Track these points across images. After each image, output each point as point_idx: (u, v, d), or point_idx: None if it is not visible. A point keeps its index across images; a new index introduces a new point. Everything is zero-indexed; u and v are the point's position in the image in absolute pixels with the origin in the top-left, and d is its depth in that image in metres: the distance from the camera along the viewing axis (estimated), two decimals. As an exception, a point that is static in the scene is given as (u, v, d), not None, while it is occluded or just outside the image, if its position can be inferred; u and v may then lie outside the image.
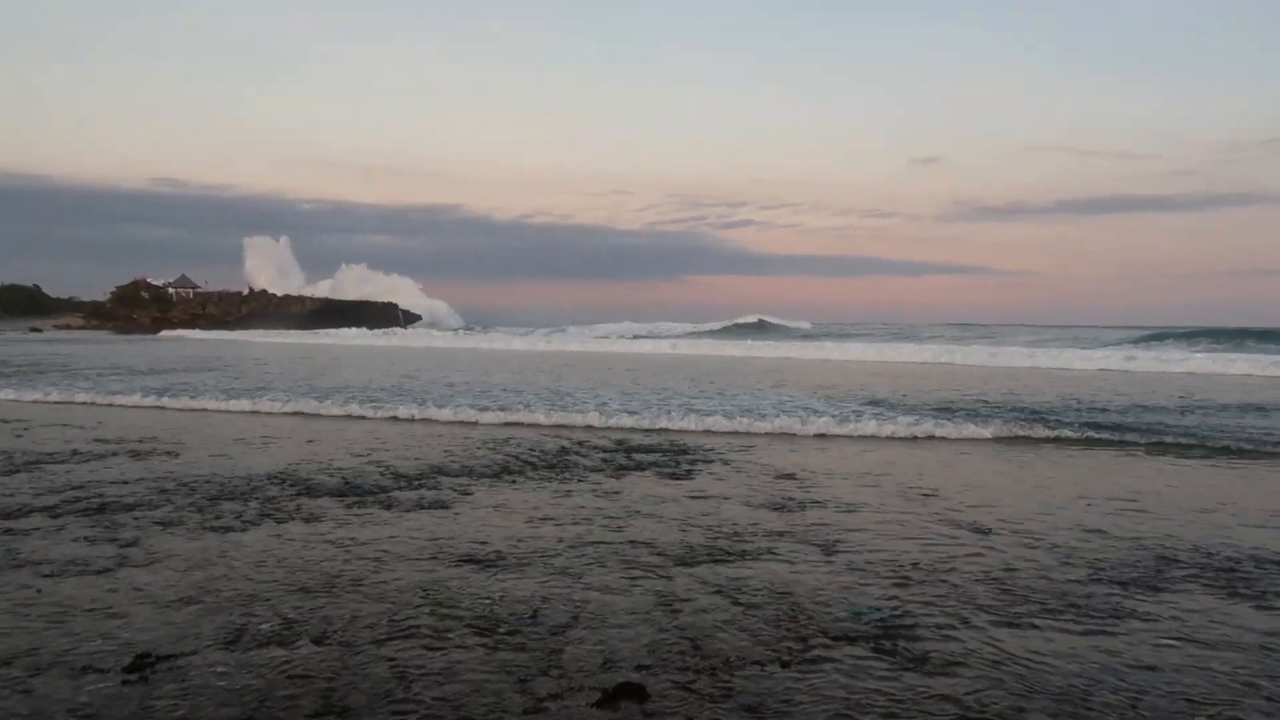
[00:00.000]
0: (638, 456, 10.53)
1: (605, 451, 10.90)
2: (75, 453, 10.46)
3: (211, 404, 16.05)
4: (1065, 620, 4.92)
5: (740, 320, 79.89)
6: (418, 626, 4.74)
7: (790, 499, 8.14)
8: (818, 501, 8.03)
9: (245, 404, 15.86)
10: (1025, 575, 5.75)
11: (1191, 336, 48.10)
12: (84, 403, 16.93)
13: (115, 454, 10.43)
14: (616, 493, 8.37)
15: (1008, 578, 5.71)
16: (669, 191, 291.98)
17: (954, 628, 4.79)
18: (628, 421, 13.77)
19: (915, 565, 5.96)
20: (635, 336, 63.91)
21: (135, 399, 16.88)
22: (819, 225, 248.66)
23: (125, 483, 8.63)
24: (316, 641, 4.51)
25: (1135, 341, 47.14)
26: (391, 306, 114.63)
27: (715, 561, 6.03)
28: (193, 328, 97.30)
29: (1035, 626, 4.81)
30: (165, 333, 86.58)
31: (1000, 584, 5.57)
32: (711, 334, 68.52)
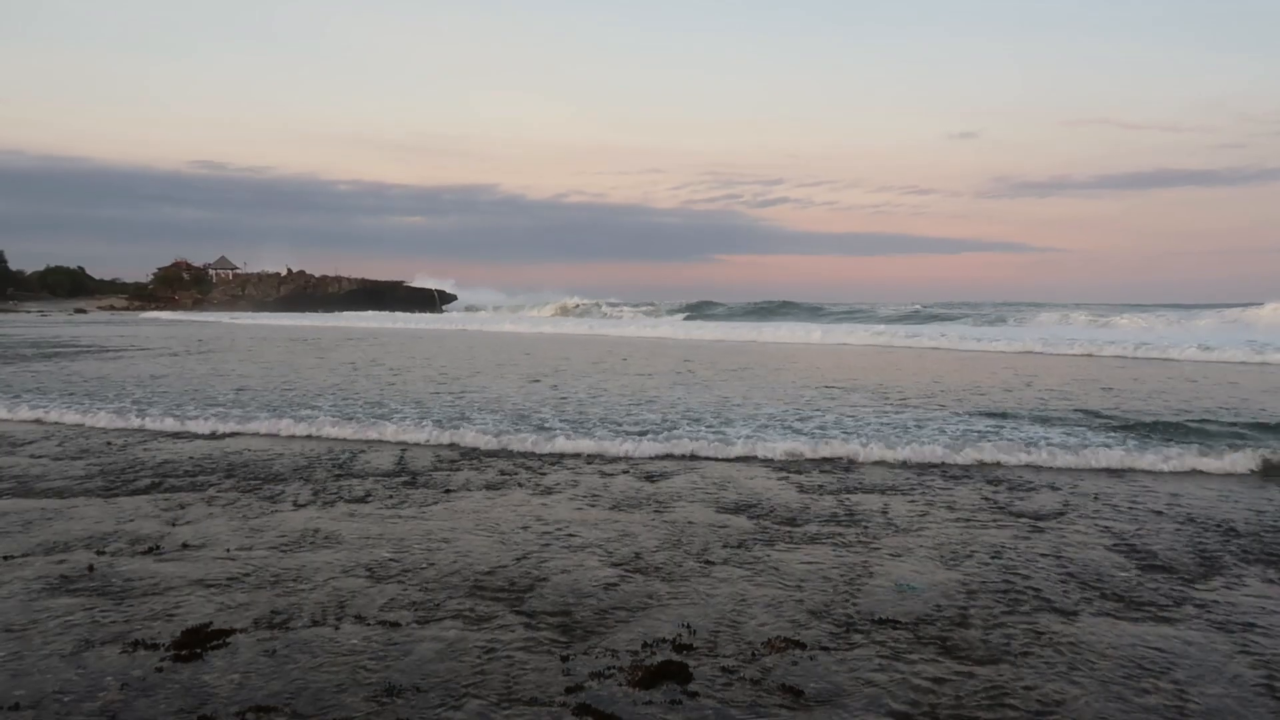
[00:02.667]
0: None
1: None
2: (128, 432, 10.66)
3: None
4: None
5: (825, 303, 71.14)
6: (460, 607, 4.78)
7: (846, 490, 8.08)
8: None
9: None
10: (1070, 559, 5.64)
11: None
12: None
13: (162, 435, 10.61)
14: (662, 475, 8.37)
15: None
16: (704, 169, 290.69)
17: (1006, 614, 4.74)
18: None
19: (970, 555, 5.91)
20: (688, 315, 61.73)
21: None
22: (856, 203, 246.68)
23: (174, 462, 8.77)
24: (361, 621, 4.57)
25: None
26: (426, 289, 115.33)
27: (763, 544, 6.01)
28: (233, 309, 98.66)
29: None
30: (146, 314, 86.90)
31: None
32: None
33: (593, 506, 7.06)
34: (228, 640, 4.29)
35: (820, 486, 7.85)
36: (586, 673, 3.97)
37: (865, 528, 6.44)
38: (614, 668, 4.01)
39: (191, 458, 8.99)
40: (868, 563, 5.57)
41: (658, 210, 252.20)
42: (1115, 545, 6.03)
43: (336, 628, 4.46)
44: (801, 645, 4.28)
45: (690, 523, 6.55)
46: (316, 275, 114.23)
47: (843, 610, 4.76)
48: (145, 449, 9.53)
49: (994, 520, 6.69)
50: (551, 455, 9.25)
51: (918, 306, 64.85)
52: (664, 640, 4.32)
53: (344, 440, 10.12)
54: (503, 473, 8.35)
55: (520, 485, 7.84)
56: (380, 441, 10.02)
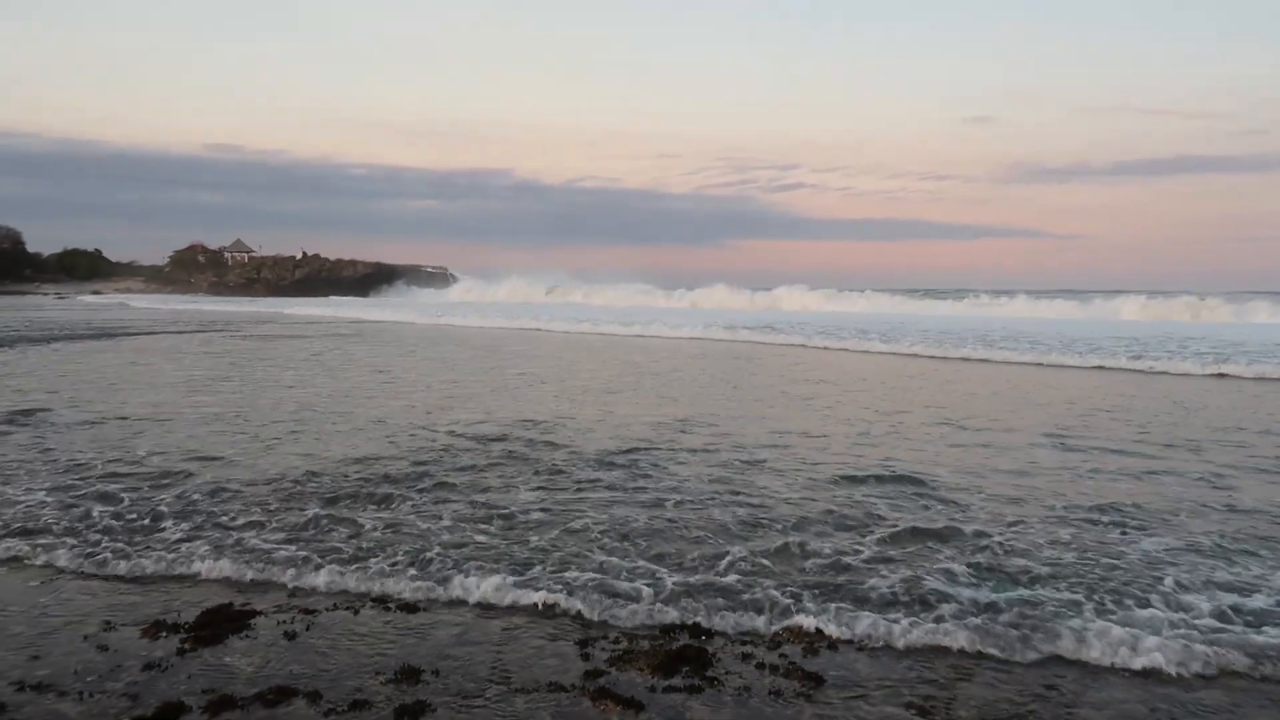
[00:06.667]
0: (689, 423, 10.47)
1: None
2: (158, 420, 10.71)
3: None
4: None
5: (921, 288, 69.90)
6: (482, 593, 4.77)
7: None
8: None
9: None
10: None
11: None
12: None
13: (197, 418, 10.66)
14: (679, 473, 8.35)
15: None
16: (718, 154, 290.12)
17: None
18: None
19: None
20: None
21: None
22: (872, 188, 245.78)
23: (200, 454, 8.81)
24: (379, 605, 4.58)
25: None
26: (442, 270, 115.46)
27: (782, 531, 5.99)
28: (248, 293, 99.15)
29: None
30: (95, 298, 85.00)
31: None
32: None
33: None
34: (249, 622, 4.31)
35: None
36: (605, 657, 3.97)
37: None
38: (633, 651, 4.00)
39: (209, 440, 8.99)
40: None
41: (671, 195, 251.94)
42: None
43: (356, 611, 4.48)
44: (822, 633, 4.26)
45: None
46: (331, 259, 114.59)
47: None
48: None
49: None
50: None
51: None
52: (683, 626, 4.31)
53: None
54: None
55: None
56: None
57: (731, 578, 4.94)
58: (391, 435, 9.24)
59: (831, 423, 10.54)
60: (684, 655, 3.95)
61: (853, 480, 7.33)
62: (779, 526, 5.96)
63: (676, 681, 3.75)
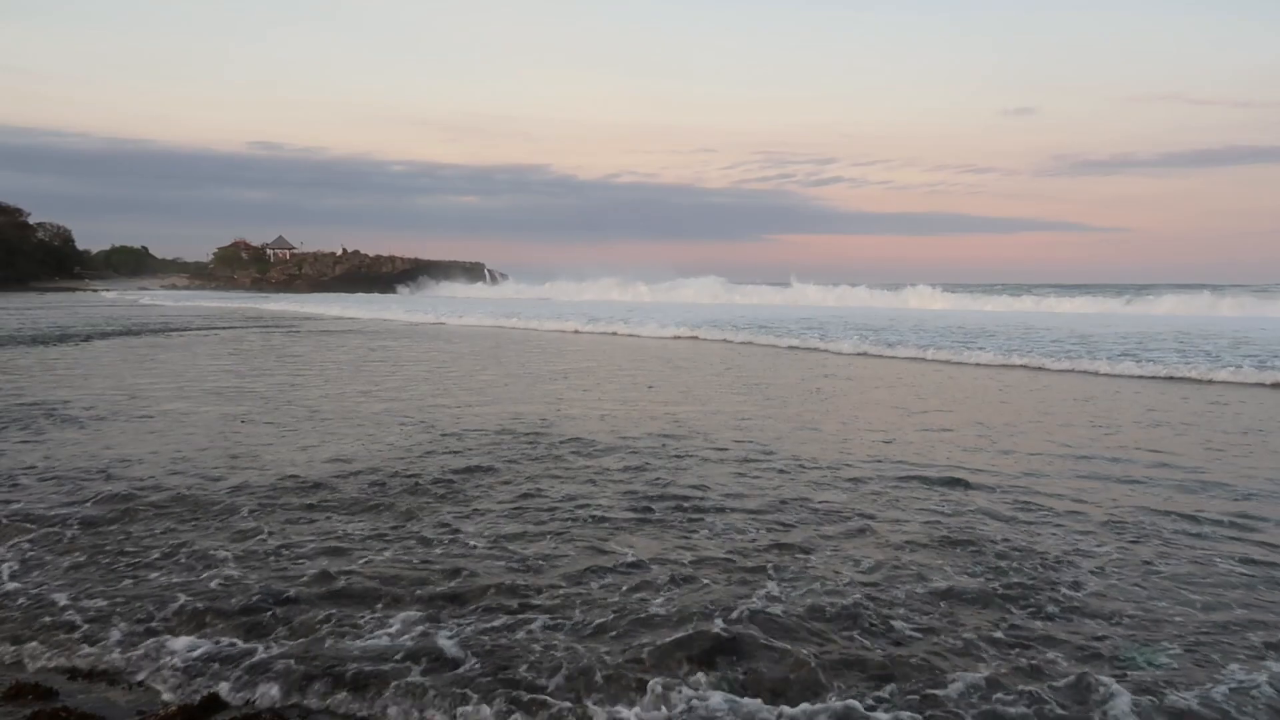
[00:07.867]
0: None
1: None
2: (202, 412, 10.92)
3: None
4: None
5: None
6: (512, 586, 4.79)
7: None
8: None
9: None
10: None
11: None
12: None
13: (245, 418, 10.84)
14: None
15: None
16: (756, 149, 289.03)
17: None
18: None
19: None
20: None
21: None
22: (911, 181, 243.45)
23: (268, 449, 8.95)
24: (419, 604, 4.62)
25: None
26: (479, 266, 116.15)
27: (814, 524, 5.96)
28: (289, 289, 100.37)
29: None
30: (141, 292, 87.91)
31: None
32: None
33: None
34: (291, 610, 4.36)
35: None
36: (648, 642, 3.97)
37: None
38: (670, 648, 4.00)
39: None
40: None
41: (709, 190, 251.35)
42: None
43: (400, 609, 4.51)
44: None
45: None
46: (371, 255, 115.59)
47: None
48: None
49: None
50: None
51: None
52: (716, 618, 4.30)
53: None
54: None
55: (574, 463, 7.82)
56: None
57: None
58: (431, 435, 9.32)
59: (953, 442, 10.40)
60: (721, 647, 3.94)
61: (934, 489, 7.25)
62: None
63: (716, 675, 3.74)
